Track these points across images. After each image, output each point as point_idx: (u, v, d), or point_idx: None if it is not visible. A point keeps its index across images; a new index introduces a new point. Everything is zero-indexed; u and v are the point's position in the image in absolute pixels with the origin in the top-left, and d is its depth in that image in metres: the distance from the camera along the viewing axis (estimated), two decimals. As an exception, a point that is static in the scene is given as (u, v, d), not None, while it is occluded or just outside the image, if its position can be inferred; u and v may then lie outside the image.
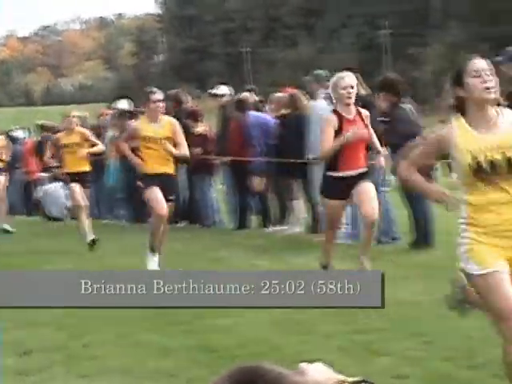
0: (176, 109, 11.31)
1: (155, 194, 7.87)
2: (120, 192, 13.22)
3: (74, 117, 10.44)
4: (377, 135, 7.21)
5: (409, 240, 8.58)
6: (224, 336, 5.10)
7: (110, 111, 14.45)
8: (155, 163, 8.00)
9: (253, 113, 10.92)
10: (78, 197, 10.11)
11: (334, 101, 7.00)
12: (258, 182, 10.67)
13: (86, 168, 10.33)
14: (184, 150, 8.15)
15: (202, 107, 12.96)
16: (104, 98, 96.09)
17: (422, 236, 8.55)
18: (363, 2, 68.53)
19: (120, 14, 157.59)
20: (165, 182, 7.98)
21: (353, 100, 6.79)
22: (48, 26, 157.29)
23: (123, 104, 12.87)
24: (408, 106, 8.96)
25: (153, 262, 7.79)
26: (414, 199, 8.18)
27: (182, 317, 5.65)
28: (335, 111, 6.85)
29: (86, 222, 10.07)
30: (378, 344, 4.85)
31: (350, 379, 1.25)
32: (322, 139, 6.83)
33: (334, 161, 6.77)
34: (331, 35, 70.52)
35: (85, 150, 10.15)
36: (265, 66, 74.16)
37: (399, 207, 8.94)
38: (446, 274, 4.40)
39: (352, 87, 6.77)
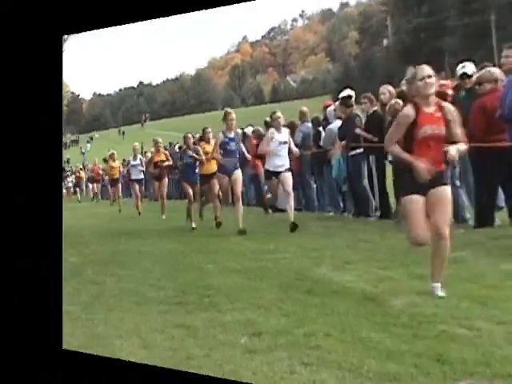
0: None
1: None
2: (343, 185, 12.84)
3: None
4: None
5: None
6: (461, 347, 4.18)
7: (333, 102, 14.12)
8: None
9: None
10: None
11: None
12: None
13: None
14: None
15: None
16: (328, 90, 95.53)
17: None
18: None
19: (343, 3, 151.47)
20: None
21: None
22: (274, 27, 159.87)
23: (346, 93, 12.42)
24: None
25: None
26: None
27: (408, 320, 4.94)
28: None
29: None
30: None
31: None
32: None
33: None
34: None
35: None
36: (515, 37, 56.14)
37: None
38: None
39: None
